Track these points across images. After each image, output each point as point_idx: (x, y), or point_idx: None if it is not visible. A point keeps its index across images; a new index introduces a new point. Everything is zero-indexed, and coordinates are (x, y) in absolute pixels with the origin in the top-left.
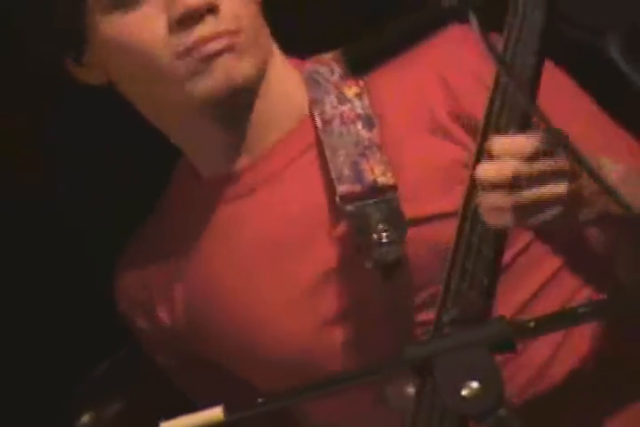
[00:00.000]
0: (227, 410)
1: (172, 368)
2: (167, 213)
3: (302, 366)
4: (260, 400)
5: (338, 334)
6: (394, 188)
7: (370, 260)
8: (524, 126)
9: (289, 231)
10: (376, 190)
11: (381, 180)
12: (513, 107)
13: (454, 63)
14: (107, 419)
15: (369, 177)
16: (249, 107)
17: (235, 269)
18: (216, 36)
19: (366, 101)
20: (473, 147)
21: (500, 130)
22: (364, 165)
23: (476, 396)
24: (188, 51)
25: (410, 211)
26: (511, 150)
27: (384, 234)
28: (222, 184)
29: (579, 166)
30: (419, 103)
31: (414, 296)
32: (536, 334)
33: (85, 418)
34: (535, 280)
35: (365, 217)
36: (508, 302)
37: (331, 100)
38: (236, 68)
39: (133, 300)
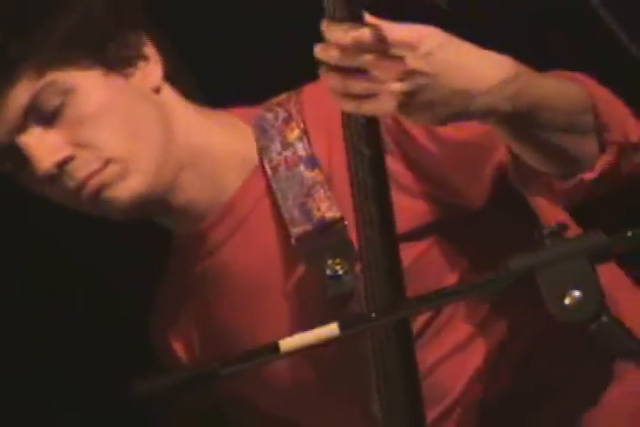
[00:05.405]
0: (342, 326)
1: None
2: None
3: (299, 394)
4: (373, 315)
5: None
6: (341, 220)
7: (327, 294)
8: None
9: (259, 276)
10: (325, 226)
11: (328, 215)
12: None
13: None
14: None
15: (316, 215)
16: (176, 191)
17: (231, 312)
18: (86, 180)
19: (306, 143)
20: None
21: None
22: (311, 205)
23: (578, 304)
24: (76, 192)
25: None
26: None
27: (337, 267)
28: (194, 241)
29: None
30: None
31: None
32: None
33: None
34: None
35: (319, 254)
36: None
37: (276, 146)
38: (122, 193)
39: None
